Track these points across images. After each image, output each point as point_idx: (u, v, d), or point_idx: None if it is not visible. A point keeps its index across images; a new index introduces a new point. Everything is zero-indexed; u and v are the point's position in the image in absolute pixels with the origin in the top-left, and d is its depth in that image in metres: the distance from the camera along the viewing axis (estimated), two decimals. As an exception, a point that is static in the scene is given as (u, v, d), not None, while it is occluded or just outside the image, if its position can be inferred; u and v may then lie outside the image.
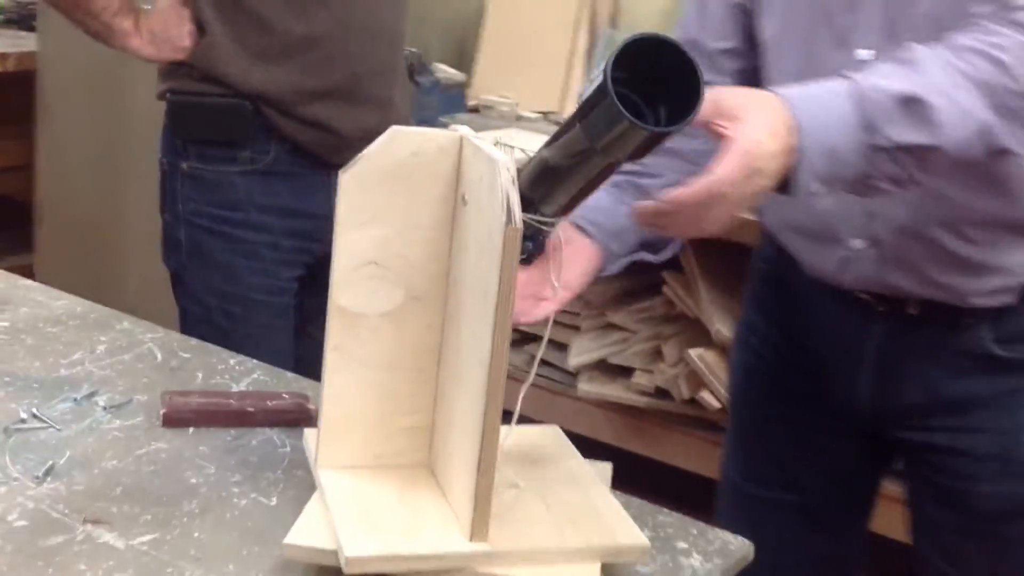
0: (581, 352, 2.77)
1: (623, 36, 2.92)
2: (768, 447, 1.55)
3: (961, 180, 1.22)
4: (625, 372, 2.77)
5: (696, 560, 1.12)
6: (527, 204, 0.99)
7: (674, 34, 1.45)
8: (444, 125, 2.93)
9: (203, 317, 1.78)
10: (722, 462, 1.63)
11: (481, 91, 3.23)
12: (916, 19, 1.20)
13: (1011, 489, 1.37)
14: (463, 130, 1.07)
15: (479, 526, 1.00)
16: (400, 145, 1.06)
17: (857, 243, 1.33)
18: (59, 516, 1.09)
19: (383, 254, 1.08)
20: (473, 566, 1.00)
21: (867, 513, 1.58)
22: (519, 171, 0.99)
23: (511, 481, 1.08)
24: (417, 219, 1.08)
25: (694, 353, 2.62)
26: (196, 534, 1.08)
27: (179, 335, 1.55)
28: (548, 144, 1.01)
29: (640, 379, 2.74)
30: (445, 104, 2.94)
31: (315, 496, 1.10)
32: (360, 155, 1.06)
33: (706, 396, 2.63)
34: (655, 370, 2.73)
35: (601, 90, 0.89)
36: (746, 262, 1.64)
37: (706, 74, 0.98)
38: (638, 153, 0.95)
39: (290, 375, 1.45)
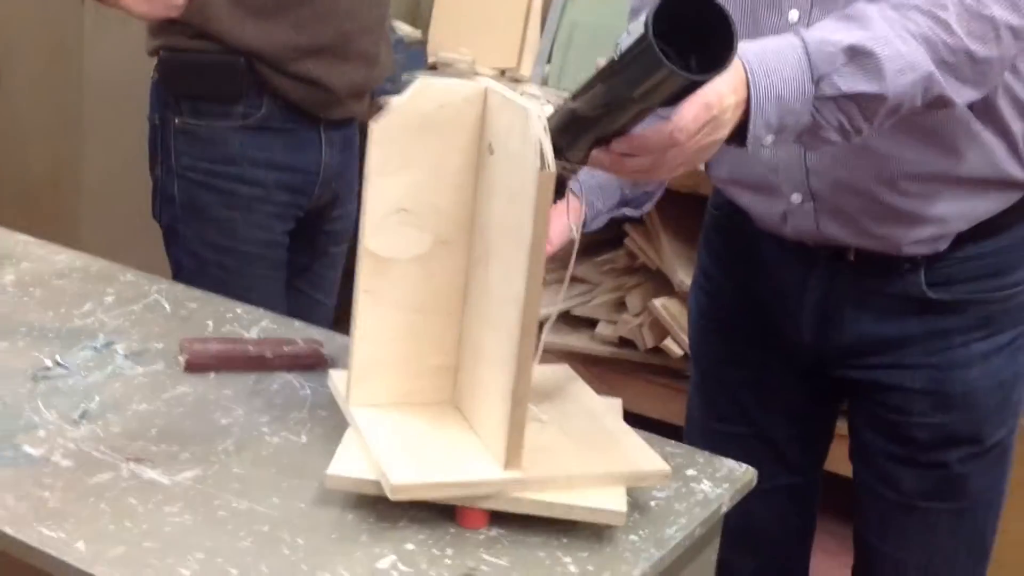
0: (545, 304, 2.83)
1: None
2: (727, 386, 1.63)
3: (900, 132, 1.30)
4: (589, 323, 2.84)
5: (706, 485, 1.20)
6: (555, 151, 1.04)
7: None
8: (407, 82, 2.97)
9: (198, 270, 1.81)
10: (688, 401, 1.71)
11: (438, 48, 3.25)
12: None
13: (941, 420, 1.46)
14: (487, 81, 1.12)
15: (513, 455, 1.06)
16: (428, 96, 1.11)
17: (796, 197, 1.40)
18: (101, 456, 1.13)
19: (412, 201, 1.13)
20: (508, 492, 1.06)
21: (824, 447, 1.67)
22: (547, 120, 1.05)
23: (534, 415, 1.14)
24: (444, 167, 1.13)
25: (658, 302, 2.70)
26: (235, 470, 1.13)
27: (183, 286, 1.58)
28: (576, 96, 1.06)
29: (604, 330, 2.82)
30: (409, 61, 2.97)
31: (348, 432, 1.15)
32: (390, 105, 1.10)
33: (670, 344, 2.72)
34: (619, 320, 2.80)
35: (642, 40, 0.95)
36: (703, 212, 1.71)
37: None
38: (673, 100, 1.01)
39: (297, 323, 1.50)
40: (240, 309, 1.51)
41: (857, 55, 1.11)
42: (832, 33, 1.12)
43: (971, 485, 1.49)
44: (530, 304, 1.03)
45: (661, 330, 2.73)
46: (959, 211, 1.38)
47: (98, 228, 3.12)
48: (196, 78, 1.81)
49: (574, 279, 2.89)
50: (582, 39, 3.10)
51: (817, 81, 1.10)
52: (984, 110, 1.30)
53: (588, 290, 2.88)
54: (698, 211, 2.16)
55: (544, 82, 3.13)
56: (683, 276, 2.66)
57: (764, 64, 1.09)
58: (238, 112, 1.82)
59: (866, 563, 1.59)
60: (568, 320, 2.85)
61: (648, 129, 1.05)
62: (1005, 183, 1.37)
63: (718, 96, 1.05)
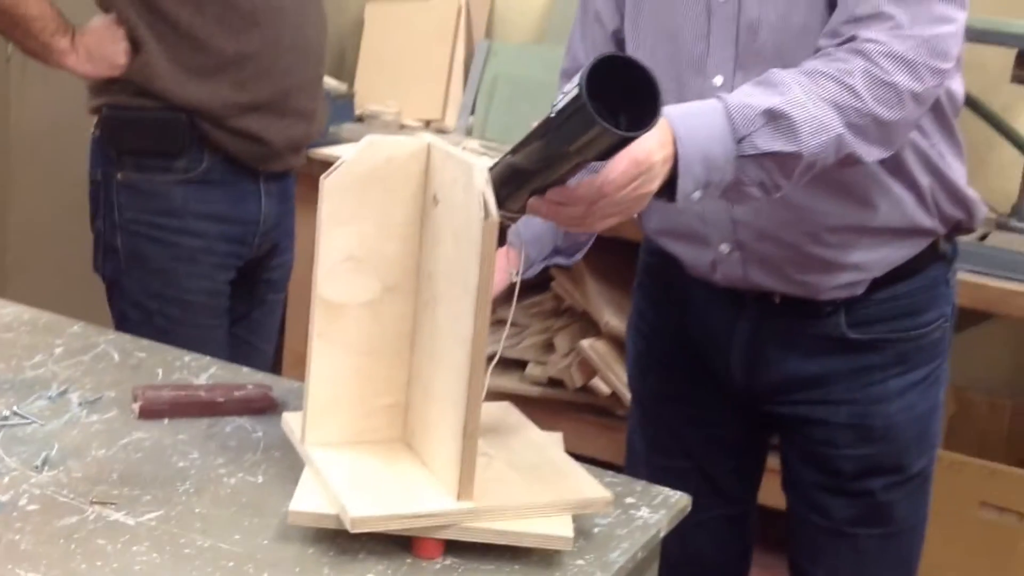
0: (477, 348, 2.90)
1: (498, 46, 3.05)
2: (666, 421, 1.71)
3: (819, 187, 1.40)
4: (519, 365, 2.92)
5: (645, 512, 1.27)
6: (497, 202, 1.11)
7: (563, 58, 1.61)
8: (334, 135, 3.03)
9: (142, 320, 1.85)
10: (628, 436, 1.79)
11: (364, 101, 3.33)
12: (760, 50, 1.37)
13: (865, 452, 1.56)
14: (429, 137, 1.19)
15: (465, 486, 1.13)
16: (376, 152, 1.18)
17: (724, 247, 1.50)
18: (66, 500, 1.17)
19: (361, 249, 1.20)
20: (462, 522, 1.12)
21: (757, 477, 1.76)
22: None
23: (482, 450, 1.21)
24: (391, 218, 1.20)
25: (585, 343, 2.79)
26: (197, 510, 1.18)
27: (130, 337, 1.62)
28: (515, 150, 1.14)
29: (533, 370, 2.89)
30: (334, 114, 3.04)
31: (305, 471, 1.20)
32: (340, 161, 1.17)
33: (598, 383, 2.80)
34: (547, 361, 2.89)
35: (577, 99, 1.03)
36: (630, 257, 1.80)
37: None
38: (605, 154, 1.09)
39: (245, 369, 1.55)
40: (188, 357, 1.56)
41: (774, 117, 1.21)
42: (751, 97, 1.22)
43: (896, 511, 1.59)
44: (478, 344, 1.10)
45: (589, 369, 2.82)
46: (874, 259, 1.48)
47: (25, 283, 3.12)
48: (138, 134, 1.86)
49: (503, 322, 2.97)
50: (504, 91, 3.20)
51: (739, 141, 1.20)
52: (894, 166, 1.41)
53: (517, 332, 2.95)
54: (621, 254, 2.25)
55: (468, 132, 3.22)
56: (609, 317, 2.75)
57: (690, 125, 1.19)
58: (180, 166, 1.88)
59: None
60: (499, 362, 2.91)
61: (582, 182, 1.14)
62: (915, 231, 1.48)
63: (646, 153, 1.13)
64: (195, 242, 1.90)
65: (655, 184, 1.16)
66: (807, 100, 1.23)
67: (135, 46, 1.82)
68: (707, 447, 1.66)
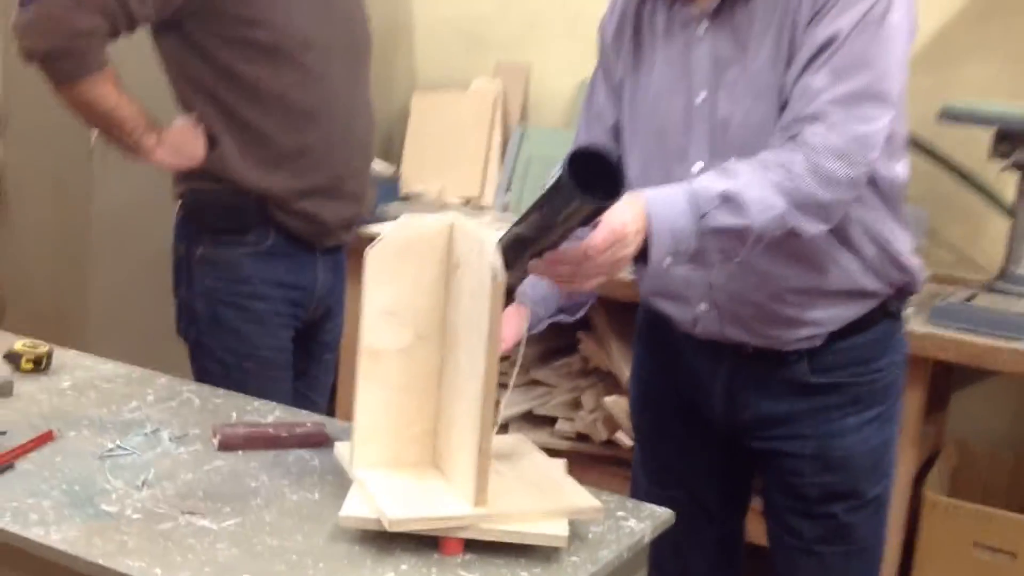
0: (510, 405, 3.17)
1: (532, 130, 3.35)
2: (662, 456, 1.98)
3: (780, 256, 1.68)
4: (549, 421, 3.18)
5: (632, 522, 1.54)
6: (505, 265, 1.40)
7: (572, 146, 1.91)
8: (382, 213, 3.34)
9: (222, 374, 2.15)
10: (632, 471, 2.06)
11: (410, 182, 3.65)
12: (730, 141, 1.66)
13: (827, 480, 1.82)
14: (453, 215, 1.49)
15: (480, 495, 1.40)
16: (409, 227, 1.48)
17: (702, 306, 1.78)
18: (162, 511, 1.47)
19: (397, 306, 1.49)
20: (478, 524, 1.40)
21: (743, 503, 2.02)
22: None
23: (495, 468, 1.48)
24: (421, 280, 1.49)
25: (609, 400, 3.05)
26: (266, 518, 1.47)
27: (208, 387, 1.92)
28: (518, 223, 1.43)
29: (562, 426, 3.16)
30: (382, 194, 3.35)
31: (353, 486, 1.49)
32: (381, 235, 1.46)
33: (621, 436, 3.06)
34: (575, 418, 3.15)
35: (560, 179, 1.32)
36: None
37: None
38: (586, 222, 1.38)
39: (303, 412, 1.84)
40: (257, 403, 1.85)
41: (728, 199, 1.50)
42: (711, 182, 1.51)
43: (856, 532, 1.84)
44: (489, 380, 1.38)
45: (613, 424, 3.08)
46: (829, 316, 1.75)
47: (108, 344, 3.44)
48: (215, 215, 2.19)
49: (536, 383, 3.24)
50: (537, 170, 3.49)
51: (700, 217, 1.49)
52: (843, 238, 1.69)
53: (547, 392, 3.22)
54: (639, 317, 2.52)
55: (505, 208, 3.51)
56: (630, 375, 3.01)
57: (660, 203, 1.48)
58: (249, 241, 2.20)
59: None
60: (530, 419, 3.18)
61: (570, 247, 1.43)
62: (863, 294, 1.75)
63: (622, 224, 1.42)
64: (263, 305, 2.21)
65: (630, 250, 1.45)
66: (756, 184, 1.51)
67: (211, 141, 2.15)
68: (698, 477, 1.92)
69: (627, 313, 2.98)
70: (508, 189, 3.55)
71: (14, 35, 2.08)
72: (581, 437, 3.14)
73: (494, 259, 1.37)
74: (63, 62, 2.07)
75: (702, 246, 1.51)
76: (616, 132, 1.83)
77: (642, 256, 1.48)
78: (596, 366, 3.19)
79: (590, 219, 1.39)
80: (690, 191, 1.50)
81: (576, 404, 3.18)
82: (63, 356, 1.97)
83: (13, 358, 1.89)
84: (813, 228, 1.58)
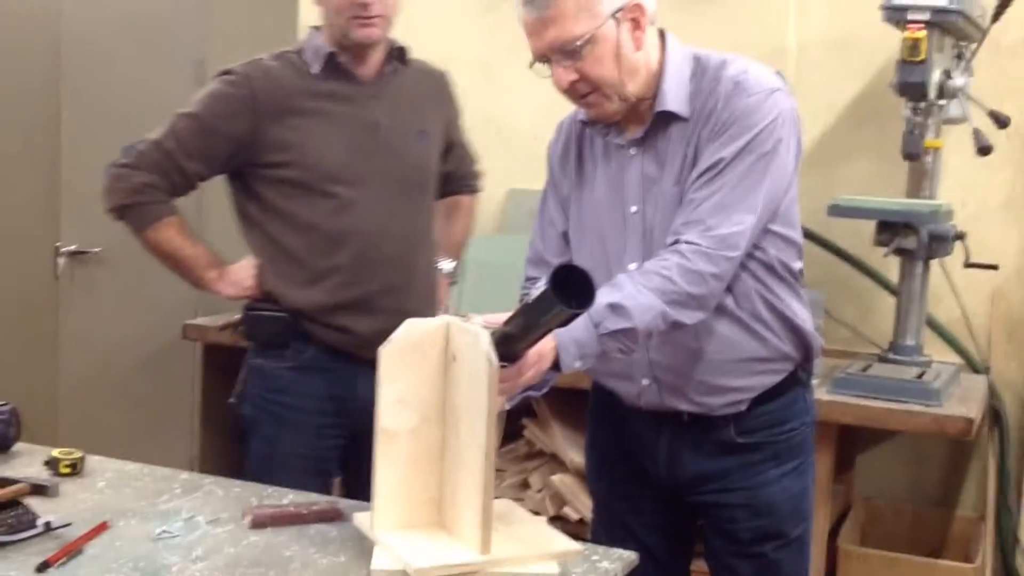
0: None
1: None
2: (616, 513, 2.30)
3: (703, 336, 2.02)
4: (501, 502, 3.48)
5: (606, 563, 1.86)
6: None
7: (528, 248, 2.26)
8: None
9: (262, 473, 2.39)
10: (592, 529, 2.38)
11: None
12: (656, 243, 2.01)
13: (756, 524, 2.15)
14: (447, 317, 1.82)
15: (485, 544, 1.72)
16: (413, 329, 1.81)
17: (644, 381, 2.13)
18: (219, 578, 1.75)
19: (406, 394, 1.81)
20: (485, 568, 1.71)
21: (688, 552, 2.35)
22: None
23: (494, 525, 1.80)
24: (425, 371, 1.82)
25: (555, 478, 3.37)
26: (307, 577, 1.76)
27: (225, 478, 2.20)
28: (507, 322, 1.76)
29: (514, 506, 3.46)
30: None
31: (376, 548, 1.79)
32: (390, 337, 1.79)
33: (568, 511, 3.37)
34: (525, 497, 3.46)
35: (546, 293, 1.65)
36: (584, 403, 2.40)
37: (544, 272, 1.87)
38: (562, 324, 1.73)
39: (313, 495, 2.13)
40: (270, 489, 2.14)
41: (615, 308, 1.87)
42: (601, 297, 1.85)
43: (783, 568, 2.19)
44: (489, 449, 1.71)
45: (560, 500, 3.39)
46: (750, 384, 2.10)
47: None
48: (259, 330, 2.53)
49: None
50: (472, 274, 3.81)
51: (596, 326, 1.86)
52: (751, 316, 2.05)
53: (497, 475, 3.52)
54: (578, 402, 2.86)
55: (445, 310, 3.83)
56: (573, 455, 3.34)
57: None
58: (288, 355, 2.52)
59: None
60: (484, 501, 3.47)
61: (512, 367, 1.77)
62: (774, 360, 2.10)
63: (539, 348, 1.80)
64: (297, 416, 2.51)
65: (547, 364, 1.83)
66: (636, 292, 1.89)
67: (260, 269, 2.52)
68: (647, 530, 2.25)
69: (566, 399, 3.32)
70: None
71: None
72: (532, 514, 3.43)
73: (488, 349, 1.70)
74: (130, 215, 2.52)
75: (603, 347, 1.88)
76: (565, 237, 2.19)
77: (557, 365, 1.85)
78: (540, 449, 3.51)
79: (566, 323, 1.73)
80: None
81: (525, 484, 3.50)
82: (92, 460, 2.23)
83: (52, 464, 2.16)
84: (692, 317, 1.95)
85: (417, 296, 2.62)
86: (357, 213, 2.51)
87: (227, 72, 2.53)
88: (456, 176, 2.86)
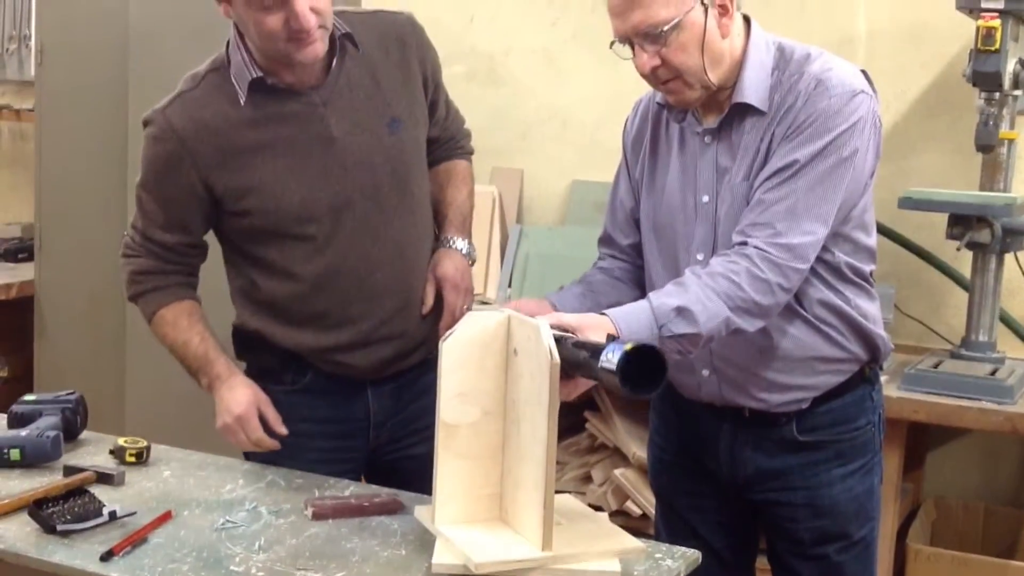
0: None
1: (528, 229, 3.66)
2: (678, 511, 2.28)
3: (768, 332, 1.97)
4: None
5: (669, 562, 1.83)
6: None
7: (602, 226, 2.23)
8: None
9: None
10: (655, 526, 2.35)
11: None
12: (725, 233, 1.98)
13: (818, 524, 2.11)
14: (509, 311, 1.81)
15: (547, 541, 1.70)
16: (474, 322, 1.79)
17: (705, 372, 2.10)
18: (281, 569, 1.75)
19: (467, 387, 1.80)
20: (546, 565, 1.70)
21: (752, 551, 2.32)
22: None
23: (556, 520, 1.78)
24: (486, 365, 1.80)
25: (618, 472, 3.34)
26: (367, 571, 1.76)
27: (287, 469, 2.20)
28: (576, 344, 1.70)
29: (576, 499, 3.44)
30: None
31: (438, 541, 1.78)
32: (452, 330, 1.78)
33: (630, 506, 3.34)
34: (586, 491, 3.43)
35: (615, 375, 1.60)
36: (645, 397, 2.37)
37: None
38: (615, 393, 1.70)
39: (374, 487, 2.13)
40: (332, 480, 2.14)
41: (682, 311, 1.83)
42: (669, 297, 1.84)
43: (847, 570, 2.15)
44: (551, 444, 1.69)
45: (622, 495, 3.36)
46: (813, 382, 2.07)
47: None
48: (252, 356, 2.31)
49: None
50: (535, 266, 3.80)
51: (659, 328, 1.82)
52: (818, 317, 2.01)
53: (559, 469, 3.51)
54: (643, 395, 2.83)
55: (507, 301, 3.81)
56: (635, 449, 3.31)
57: (627, 321, 1.81)
58: (287, 380, 2.27)
59: None
60: (546, 494, 3.46)
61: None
62: (840, 361, 2.06)
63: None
64: (300, 441, 2.22)
65: None
66: (704, 297, 1.84)
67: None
68: (709, 528, 2.22)
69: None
70: (509, 285, 3.84)
71: None
72: (593, 508, 3.41)
73: (550, 343, 1.68)
74: (140, 307, 2.29)
75: (663, 349, 1.82)
76: (634, 219, 2.17)
77: None
78: (603, 443, 3.48)
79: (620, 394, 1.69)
80: (651, 307, 1.83)
81: (587, 478, 3.47)
82: (157, 449, 2.25)
83: (118, 452, 2.18)
84: (754, 325, 1.91)
85: (421, 316, 2.32)
86: (335, 250, 2.21)
87: (148, 123, 2.21)
88: (444, 140, 2.46)
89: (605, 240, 2.25)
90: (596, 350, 1.67)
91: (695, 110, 2.04)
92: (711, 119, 2.02)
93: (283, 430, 2.19)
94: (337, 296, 2.23)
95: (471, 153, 2.56)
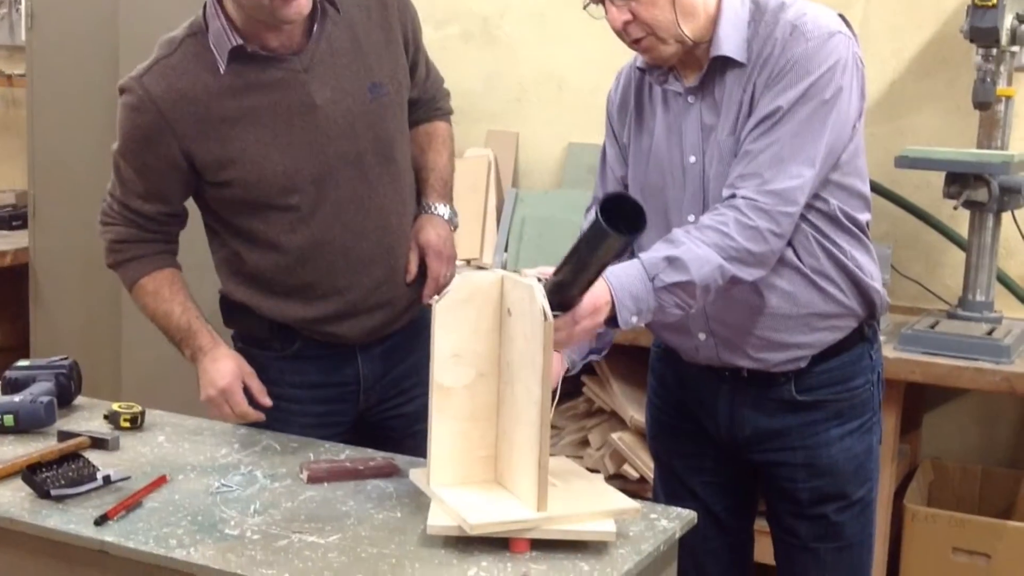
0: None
1: (524, 194, 3.65)
2: (677, 473, 2.27)
3: (762, 290, 1.97)
4: (560, 459, 3.47)
5: (664, 522, 1.83)
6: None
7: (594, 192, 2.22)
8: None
9: None
10: (653, 489, 2.35)
11: (414, 246, 3.92)
12: (714, 194, 1.96)
13: (817, 484, 2.11)
14: (501, 272, 1.80)
15: (542, 501, 1.70)
16: (468, 283, 1.78)
17: (702, 336, 2.09)
18: (277, 532, 1.75)
19: (461, 348, 1.79)
20: (541, 526, 1.69)
21: (750, 513, 2.31)
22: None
23: (550, 482, 1.77)
24: (480, 326, 1.79)
25: (615, 436, 3.34)
26: (362, 533, 1.75)
27: (282, 434, 2.20)
28: (557, 271, 1.73)
29: (573, 463, 3.44)
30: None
31: (433, 503, 1.78)
32: (445, 291, 1.76)
33: (628, 469, 3.34)
34: (584, 455, 3.43)
35: (596, 223, 1.61)
36: (645, 361, 2.37)
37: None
38: (617, 256, 1.69)
39: (369, 451, 2.13)
40: (327, 444, 2.14)
41: (671, 260, 1.83)
42: (657, 251, 1.83)
43: (846, 530, 2.14)
44: (545, 405, 1.68)
45: (620, 459, 3.36)
46: (811, 340, 2.05)
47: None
48: (237, 324, 2.30)
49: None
50: (531, 230, 3.78)
51: (651, 279, 1.81)
52: (814, 270, 1.99)
53: (556, 433, 3.51)
54: (638, 359, 2.83)
55: (503, 267, 3.79)
56: (632, 412, 3.30)
57: (619, 277, 1.81)
58: (275, 347, 2.26)
59: None
60: (543, 458, 3.46)
61: (565, 317, 1.74)
62: (838, 317, 2.04)
63: (596, 299, 1.76)
64: (290, 406, 2.23)
65: (602, 318, 1.78)
66: (693, 246, 1.84)
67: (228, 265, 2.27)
68: (708, 489, 2.22)
69: (625, 357, 3.28)
70: (505, 249, 3.83)
71: None
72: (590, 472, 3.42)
73: (543, 303, 1.67)
74: (120, 275, 2.27)
75: (660, 302, 1.83)
76: (624, 186, 2.15)
77: (614, 320, 1.81)
78: (600, 407, 3.48)
79: (620, 254, 1.69)
80: (641, 262, 1.83)
81: (584, 443, 3.47)
82: (152, 414, 2.24)
83: (113, 417, 2.17)
84: (749, 275, 1.90)
85: (408, 284, 2.31)
86: (320, 221, 2.18)
87: (125, 91, 2.17)
88: (424, 101, 2.42)
89: None
90: (574, 246, 1.69)
91: (676, 71, 2.02)
92: (692, 78, 2.01)
93: (267, 401, 2.18)
94: (323, 267, 2.21)
95: (450, 113, 2.52)
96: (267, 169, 2.15)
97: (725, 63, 1.96)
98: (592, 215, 1.65)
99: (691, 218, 2.00)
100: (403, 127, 2.32)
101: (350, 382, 2.31)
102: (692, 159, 2.01)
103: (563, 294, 1.73)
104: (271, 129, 2.15)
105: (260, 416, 2.17)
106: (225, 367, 2.17)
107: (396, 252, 2.28)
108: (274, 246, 2.20)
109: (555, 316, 1.70)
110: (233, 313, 2.31)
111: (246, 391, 2.17)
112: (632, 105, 2.12)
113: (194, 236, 2.34)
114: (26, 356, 3.92)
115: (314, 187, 2.18)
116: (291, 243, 2.19)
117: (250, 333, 2.29)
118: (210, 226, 2.29)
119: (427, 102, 2.44)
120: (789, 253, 1.97)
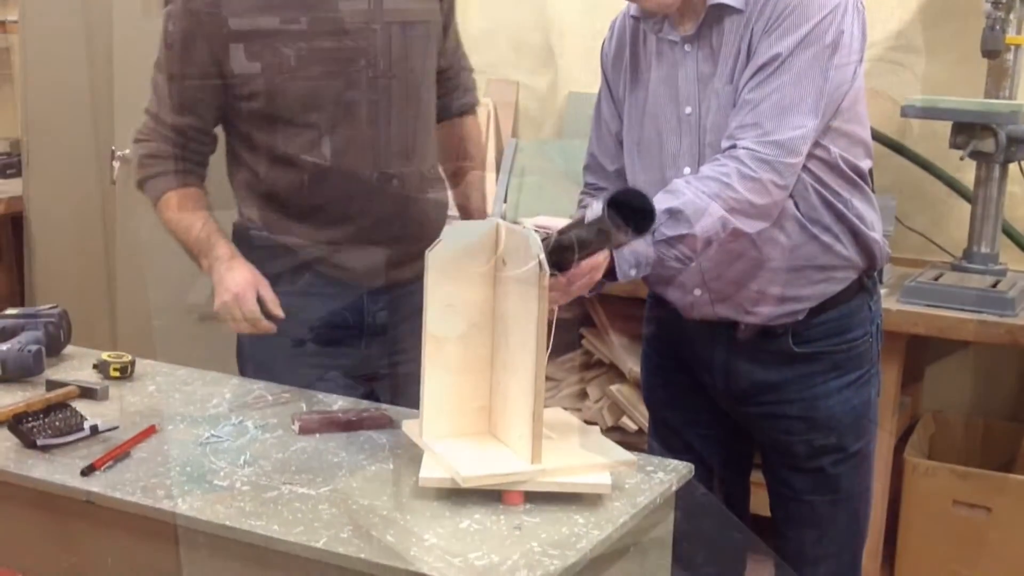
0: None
1: (524, 144, 3.62)
2: (672, 425, 2.25)
3: (759, 243, 1.92)
4: (559, 411, 3.44)
5: (661, 475, 1.80)
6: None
7: (584, 155, 2.17)
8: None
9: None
10: (648, 441, 2.32)
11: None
12: (712, 145, 1.92)
13: (813, 437, 2.08)
14: (496, 219, 1.75)
15: (536, 453, 1.67)
16: (461, 231, 1.74)
17: (697, 291, 2.05)
18: (266, 483, 1.72)
19: (455, 299, 1.75)
20: (535, 478, 1.66)
21: (746, 465, 2.29)
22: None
23: (546, 434, 1.74)
24: (474, 276, 1.75)
25: (614, 388, 3.32)
26: (354, 484, 1.73)
27: (275, 384, 2.16)
28: (563, 231, 1.67)
29: (571, 415, 3.42)
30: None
31: (425, 455, 1.74)
32: (439, 239, 1.72)
33: (626, 421, 3.32)
34: (582, 407, 3.41)
35: (601, 219, 1.57)
36: (642, 312, 2.33)
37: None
38: (618, 246, 1.67)
39: (364, 402, 2.10)
40: (320, 395, 2.11)
41: (673, 213, 1.78)
42: (657, 203, 1.76)
43: (842, 483, 2.11)
44: (540, 355, 1.65)
45: (618, 411, 3.34)
46: (808, 293, 2.01)
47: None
48: (253, 255, 2.24)
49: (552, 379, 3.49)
50: (531, 180, 3.76)
51: (652, 232, 1.75)
52: (813, 220, 1.95)
53: (554, 385, 3.49)
54: (637, 311, 2.79)
55: (503, 218, 3.75)
56: (631, 364, 3.28)
57: None
58: (285, 279, 2.24)
59: (780, 547, 2.19)
60: (542, 410, 3.44)
61: (561, 277, 1.69)
62: (836, 269, 2.00)
63: (592, 259, 1.70)
64: (292, 343, 2.23)
65: (601, 272, 1.74)
66: (694, 198, 1.79)
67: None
68: (703, 442, 2.19)
69: (624, 308, 3.25)
70: (505, 200, 3.79)
71: None
72: (588, 424, 3.39)
73: (540, 252, 1.63)
74: (145, 191, 2.28)
75: (660, 255, 1.79)
76: (620, 141, 2.10)
77: (612, 272, 1.76)
78: (598, 359, 3.45)
79: (620, 245, 1.65)
80: None
81: (582, 395, 3.45)
82: (143, 364, 2.21)
83: (102, 367, 2.14)
84: (751, 227, 1.85)
85: (416, 221, 2.32)
86: (338, 142, 2.22)
87: (168, 2, 2.22)
88: (450, 77, 2.47)
89: (592, 167, 2.17)
90: (579, 219, 1.65)
91: (672, 19, 1.96)
92: (688, 26, 1.95)
93: (280, 312, 2.17)
94: (336, 190, 2.25)
95: (476, 104, 2.57)
96: (291, 84, 2.20)
97: (722, 10, 1.91)
98: (599, 208, 1.59)
99: (687, 170, 1.95)
100: (431, 73, 2.36)
101: (354, 324, 2.32)
102: (688, 109, 1.96)
103: (562, 256, 1.68)
104: (299, 47, 2.20)
105: (270, 327, 2.15)
106: (240, 275, 2.17)
107: (409, 187, 2.32)
108: (291, 163, 2.23)
109: (552, 275, 1.66)
110: (245, 245, 2.32)
111: (260, 303, 2.16)
112: (627, 56, 2.06)
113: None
114: (22, 305, 3.94)
115: (336, 108, 2.22)
116: (307, 161, 2.23)
117: (260, 267, 2.28)
118: (232, 149, 2.32)
119: (452, 78, 2.47)
120: (788, 204, 1.92)
